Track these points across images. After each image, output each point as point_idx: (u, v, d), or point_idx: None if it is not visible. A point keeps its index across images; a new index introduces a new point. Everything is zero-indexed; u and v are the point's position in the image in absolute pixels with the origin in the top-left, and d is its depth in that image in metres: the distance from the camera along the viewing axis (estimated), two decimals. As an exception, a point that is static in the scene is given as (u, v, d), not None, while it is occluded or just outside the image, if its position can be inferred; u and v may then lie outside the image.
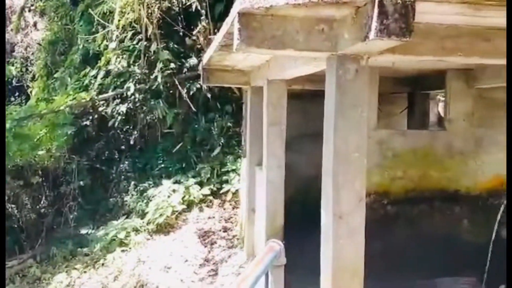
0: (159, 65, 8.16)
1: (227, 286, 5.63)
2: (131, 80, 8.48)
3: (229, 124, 8.15)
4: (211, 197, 7.47)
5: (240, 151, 7.67)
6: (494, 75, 4.87)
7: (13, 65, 13.44)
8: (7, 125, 7.36)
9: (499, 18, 2.58)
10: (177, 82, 8.26)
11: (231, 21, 2.71)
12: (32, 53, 13.49)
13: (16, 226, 8.23)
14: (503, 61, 3.23)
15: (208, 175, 7.64)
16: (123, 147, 8.77)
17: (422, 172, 5.33)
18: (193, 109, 8.31)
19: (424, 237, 5.24)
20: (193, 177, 7.70)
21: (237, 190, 7.36)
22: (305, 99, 6.18)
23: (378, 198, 5.23)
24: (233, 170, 7.58)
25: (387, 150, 5.26)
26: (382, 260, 4.89)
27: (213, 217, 7.11)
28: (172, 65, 8.23)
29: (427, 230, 5.30)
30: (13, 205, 8.26)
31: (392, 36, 2.08)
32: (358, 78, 2.64)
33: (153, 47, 8.25)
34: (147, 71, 8.44)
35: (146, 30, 8.26)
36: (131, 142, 8.61)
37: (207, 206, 7.36)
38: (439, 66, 5.11)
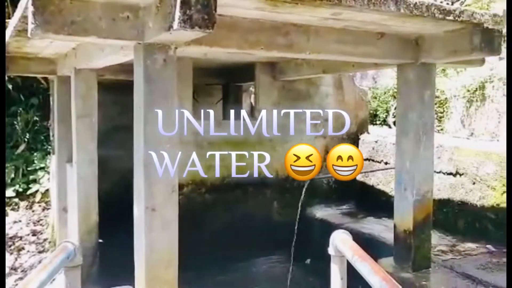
0: None
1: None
2: None
3: (35, 118, 7.45)
4: (16, 199, 6.76)
5: (49, 147, 7.07)
6: (296, 68, 5.34)
7: None
8: None
9: (294, 15, 2.81)
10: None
11: (25, 3, 2.45)
12: None
13: None
14: (299, 55, 3.56)
15: (12, 175, 6.89)
16: None
17: (236, 159, 5.58)
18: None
19: (240, 221, 5.51)
20: (-6, 178, 6.86)
21: (47, 190, 6.79)
22: (120, 90, 5.96)
23: (196, 187, 5.33)
24: (42, 168, 6.96)
25: (203, 140, 5.38)
26: (203, 248, 5.02)
27: (20, 221, 6.45)
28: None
29: (243, 214, 5.59)
30: None
31: (195, 27, 2.10)
32: (166, 68, 2.62)
33: None
34: None
35: None
36: None
37: (12, 209, 6.64)
38: (249, 59, 5.39)
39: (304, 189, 5.31)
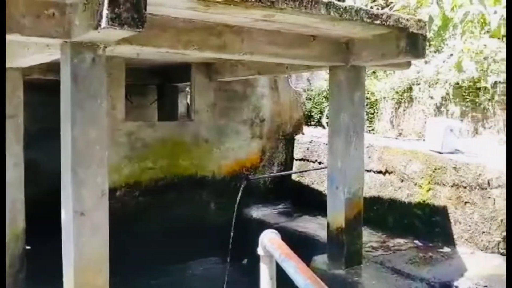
0: None
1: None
2: None
3: (-45, 118, 6.96)
4: None
5: (-29, 149, 6.65)
6: (231, 69, 5.35)
7: None
8: None
9: (227, 16, 2.81)
10: None
11: None
12: None
13: None
14: (233, 56, 3.56)
15: None
16: None
17: (172, 161, 5.52)
18: None
19: (176, 223, 5.44)
20: None
21: (-31, 195, 6.36)
22: (49, 89, 5.71)
23: (129, 190, 5.21)
24: (-37, 172, 6.51)
25: (137, 141, 5.27)
26: (138, 251, 4.91)
27: None
28: None
29: (179, 216, 5.52)
30: None
31: (124, 25, 2.06)
32: (95, 68, 2.54)
33: None
34: None
35: None
36: None
37: None
38: (185, 59, 5.34)
39: (241, 190, 5.33)
